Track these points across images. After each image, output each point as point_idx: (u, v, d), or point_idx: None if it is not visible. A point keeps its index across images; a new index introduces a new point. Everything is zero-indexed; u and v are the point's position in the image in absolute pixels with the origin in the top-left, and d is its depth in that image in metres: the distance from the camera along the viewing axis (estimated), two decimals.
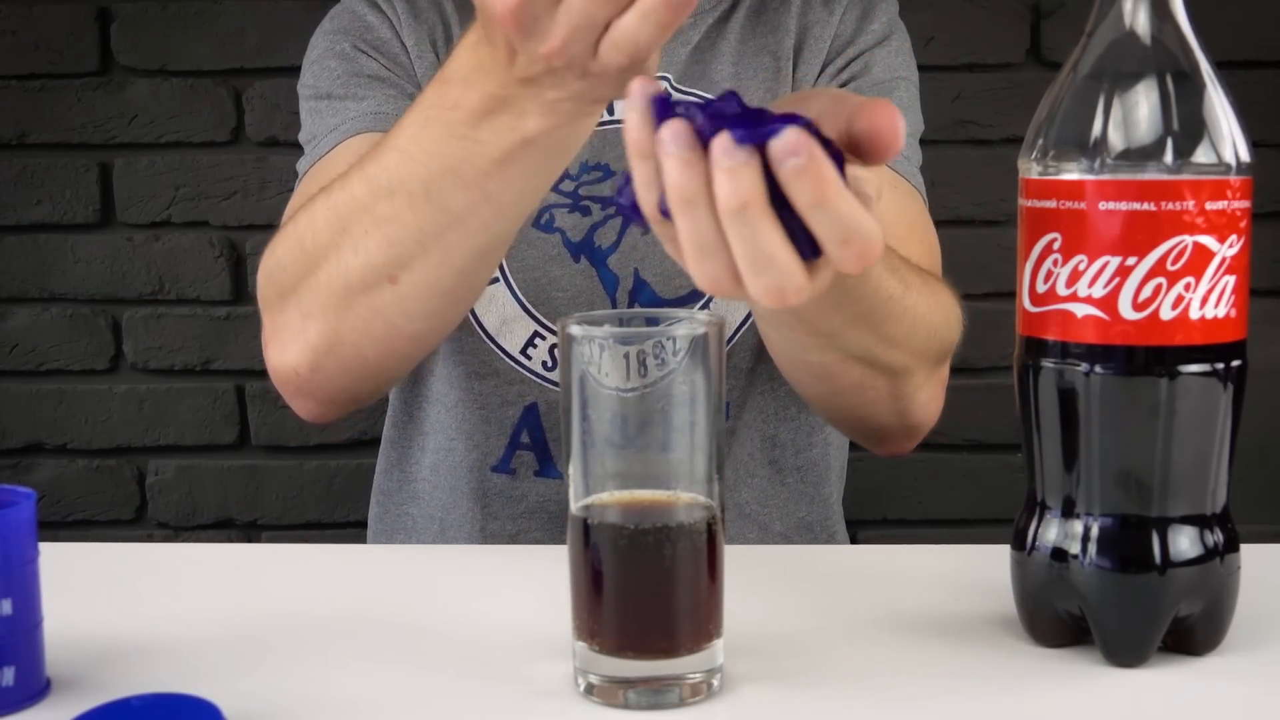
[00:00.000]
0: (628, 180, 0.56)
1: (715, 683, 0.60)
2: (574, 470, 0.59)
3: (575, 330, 0.58)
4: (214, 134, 1.65)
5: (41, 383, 1.69)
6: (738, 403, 1.03)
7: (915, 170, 1.05)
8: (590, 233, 1.02)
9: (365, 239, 0.76)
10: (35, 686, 0.60)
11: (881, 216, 0.56)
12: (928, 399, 0.91)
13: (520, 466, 1.03)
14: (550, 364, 1.02)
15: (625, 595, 0.59)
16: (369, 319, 0.80)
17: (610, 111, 1.03)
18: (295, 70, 1.11)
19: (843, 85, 1.05)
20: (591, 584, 0.59)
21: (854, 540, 1.20)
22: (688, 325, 0.58)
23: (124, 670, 0.63)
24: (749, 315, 1.01)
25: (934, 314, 0.86)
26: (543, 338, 1.01)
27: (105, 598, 0.74)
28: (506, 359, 1.02)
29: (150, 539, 1.70)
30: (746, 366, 1.02)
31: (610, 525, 0.58)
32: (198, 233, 1.66)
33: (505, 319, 1.01)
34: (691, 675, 0.59)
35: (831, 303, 0.75)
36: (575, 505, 0.59)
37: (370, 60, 1.03)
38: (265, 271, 0.84)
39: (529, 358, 1.01)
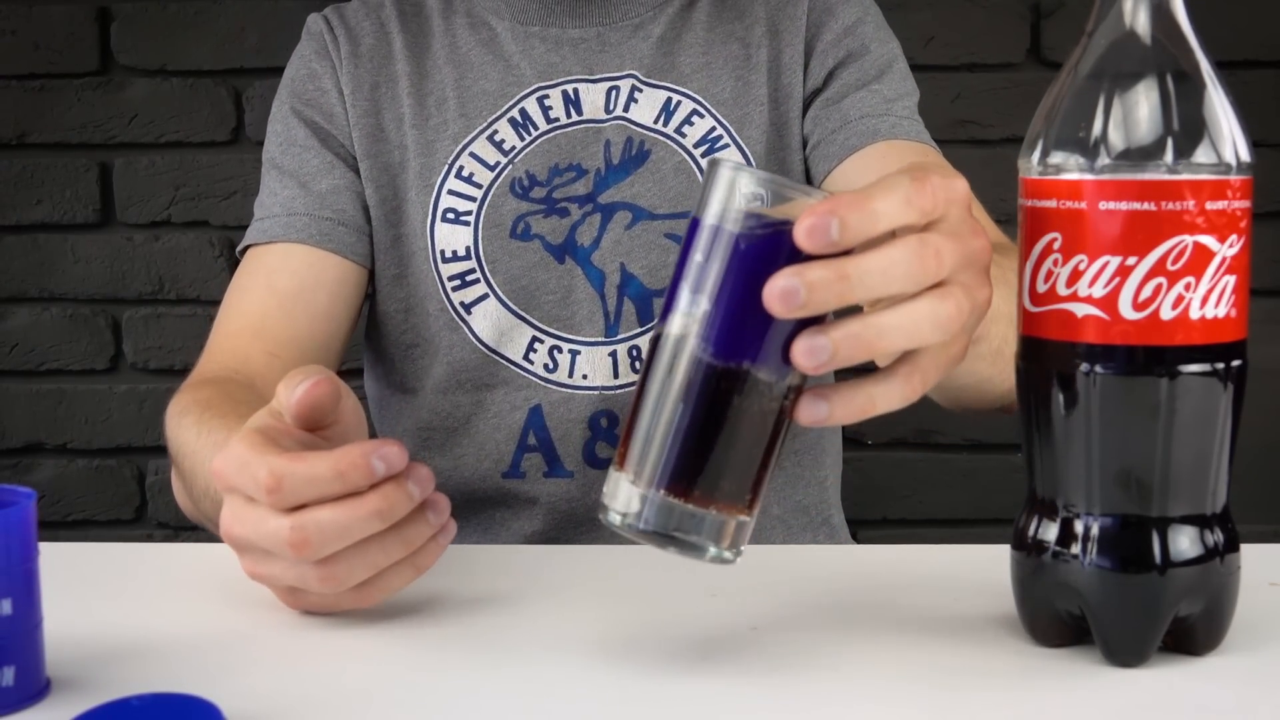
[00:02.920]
0: None
1: (737, 554, 0.58)
2: (683, 294, 0.57)
3: (726, 169, 0.56)
4: (214, 134, 1.65)
5: (41, 383, 1.69)
6: None
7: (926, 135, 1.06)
8: (570, 233, 1.02)
9: (192, 485, 0.87)
10: (35, 686, 0.59)
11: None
12: None
13: (530, 469, 1.03)
14: (551, 366, 1.02)
15: (685, 429, 0.57)
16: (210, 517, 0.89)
17: (580, 111, 1.04)
18: None
19: (840, 63, 1.05)
20: (652, 411, 0.57)
21: (854, 540, 1.20)
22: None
23: (124, 670, 0.63)
24: None
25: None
26: (541, 341, 1.01)
27: (105, 598, 0.74)
28: (512, 366, 1.02)
29: (150, 539, 1.70)
30: None
31: (695, 356, 0.56)
32: (198, 233, 1.66)
33: (502, 330, 1.02)
34: (717, 535, 0.57)
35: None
36: (672, 329, 0.57)
37: (302, 128, 1.08)
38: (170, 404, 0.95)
39: (531, 362, 1.02)
